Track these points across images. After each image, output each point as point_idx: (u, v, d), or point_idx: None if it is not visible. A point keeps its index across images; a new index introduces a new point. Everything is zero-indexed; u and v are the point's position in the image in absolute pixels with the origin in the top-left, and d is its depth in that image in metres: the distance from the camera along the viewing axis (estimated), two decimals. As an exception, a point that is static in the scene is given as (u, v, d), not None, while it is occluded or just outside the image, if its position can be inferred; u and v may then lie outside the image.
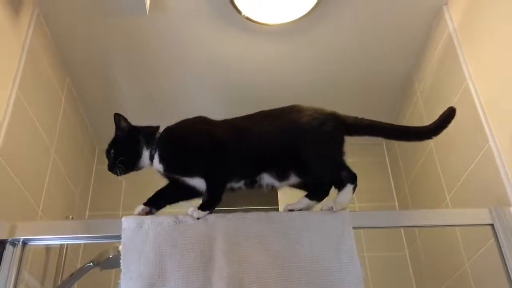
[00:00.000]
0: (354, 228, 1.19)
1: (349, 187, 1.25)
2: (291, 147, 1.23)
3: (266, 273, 1.12)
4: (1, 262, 1.17)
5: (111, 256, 1.51)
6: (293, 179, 1.25)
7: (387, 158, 2.46)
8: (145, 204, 1.23)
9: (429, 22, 1.81)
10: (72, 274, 1.60)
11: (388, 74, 2.07)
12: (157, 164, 1.26)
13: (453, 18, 1.69)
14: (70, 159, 1.95)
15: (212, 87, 2.08)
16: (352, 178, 1.27)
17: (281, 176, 1.24)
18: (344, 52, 1.94)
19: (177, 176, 1.26)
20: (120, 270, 1.64)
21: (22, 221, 1.33)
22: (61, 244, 1.67)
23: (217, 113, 1.33)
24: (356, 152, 2.39)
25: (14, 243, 1.20)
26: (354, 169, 2.37)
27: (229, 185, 1.25)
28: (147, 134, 1.28)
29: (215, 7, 1.69)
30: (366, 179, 2.37)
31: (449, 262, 1.75)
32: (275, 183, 1.25)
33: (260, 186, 1.26)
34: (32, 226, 1.28)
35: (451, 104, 1.65)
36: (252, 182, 1.25)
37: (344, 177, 1.27)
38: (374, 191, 2.35)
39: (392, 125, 1.37)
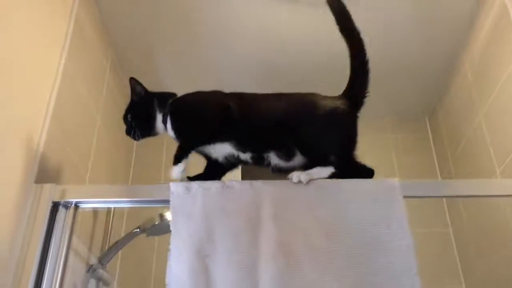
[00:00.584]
0: (404, 197, 1.17)
1: (328, 169, 1.19)
2: (299, 126, 1.22)
3: (314, 238, 1.11)
4: (54, 224, 1.20)
5: (157, 223, 1.54)
6: (298, 158, 1.23)
7: (429, 133, 2.40)
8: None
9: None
10: (117, 242, 1.64)
11: (436, 46, 1.99)
12: (170, 131, 1.28)
13: (507, -15, 1.61)
14: (114, 129, 1.98)
15: (256, 57, 2.05)
16: (339, 165, 1.20)
17: (287, 155, 1.23)
18: (393, 23, 1.88)
19: None
20: (164, 237, 1.68)
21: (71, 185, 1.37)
22: (108, 209, 1.71)
23: (258, 85, 1.36)
24: (397, 127, 2.39)
25: (66, 206, 1.22)
26: (395, 144, 2.35)
27: (236, 155, 1.25)
28: (160, 98, 1.30)
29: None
30: (407, 154, 2.36)
31: (497, 237, 1.71)
32: (281, 163, 1.24)
33: (269, 164, 1.25)
34: (83, 190, 1.31)
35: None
36: (260, 158, 1.25)
37: (331, 160, 1.21)
38: (415, 166, 2.31)
39: None
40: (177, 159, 1.20)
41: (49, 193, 1.21)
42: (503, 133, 1.65)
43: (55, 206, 1.21)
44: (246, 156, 1.26)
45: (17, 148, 1.19)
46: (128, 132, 1.28)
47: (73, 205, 1.22)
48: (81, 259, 1.54)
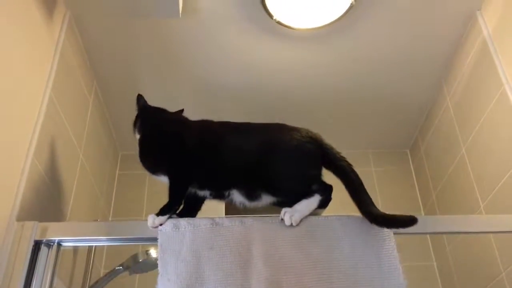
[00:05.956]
0: (395, 234, 1.17)
1: (315, 197, 1.18)
2: (263, 164, 1.20)
3: (306, 277, 1.09)
4: (36, 264, 1.15)
5: (141, 261, 1.50)
6: (266, 199, 1.21)
7: (411, 166, 2.42)
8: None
9: (462, 28, 1.79)
10: (97, 281, 1.58)
11: (417, 80, 2.04)
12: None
13: (487, 24, 1.67)
14: (96, 163, 1.94)
15: (239, 91, 2.06)
16: (322, 190, 1.20)
17: (251, 196, 1.21)
18: (374, 57, 1.92)
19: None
20: (146, 275, 1.63)
21: (53, 222, 1.32)
22: (89, 247, 1.65)
23: (241, 117, 1.32)
24: (378, 159, 2.40)
25: (48, 244, 1.17)
26: (377, 177, 2.35)
27: (193, 191, 1.23)
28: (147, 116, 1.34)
29: (246, 10, 1.68)
30: (389, 187, 2.36)
31: (483, 272, 1.70)
32: (246, 202, 1.22)
33: (232, 201, 1.22)
34: (65, 227, 1.25)
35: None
36: (220, 195, 1.23)
37: (314, 189, 1.20)
38: (398, 200, 2.31)
39: (359, 187, 1.20)
40: (163, 211, 1.17)
41: (31, 231, 1.16)
42: (487, 168, 1.67)
43: (37, 245, 1.16)
44: (204, 193, 1.23)
45: (-2, 184, 1.15)
46: None
47: (55, 244, 1.17)
48: (60, 299, 1.48)
